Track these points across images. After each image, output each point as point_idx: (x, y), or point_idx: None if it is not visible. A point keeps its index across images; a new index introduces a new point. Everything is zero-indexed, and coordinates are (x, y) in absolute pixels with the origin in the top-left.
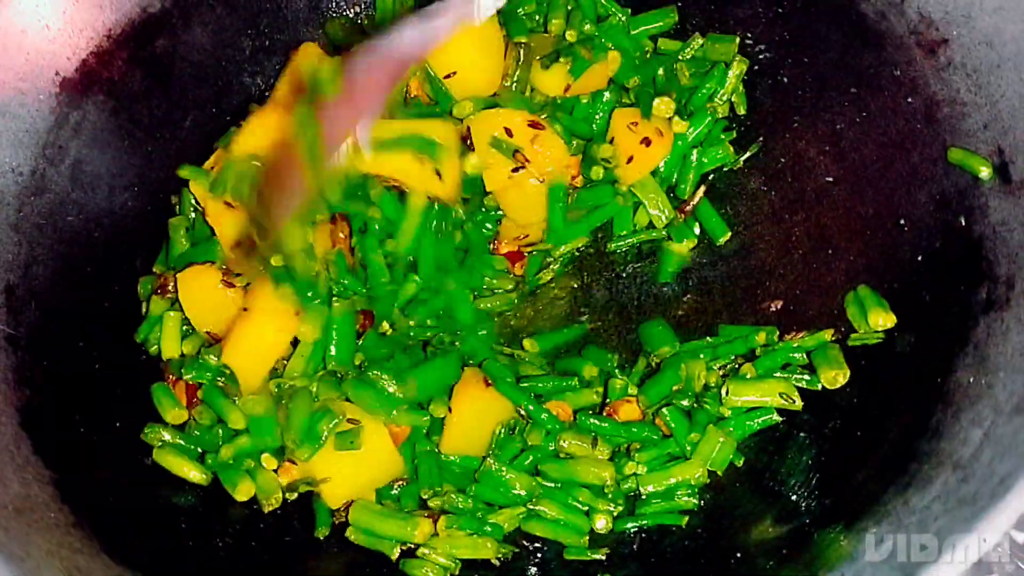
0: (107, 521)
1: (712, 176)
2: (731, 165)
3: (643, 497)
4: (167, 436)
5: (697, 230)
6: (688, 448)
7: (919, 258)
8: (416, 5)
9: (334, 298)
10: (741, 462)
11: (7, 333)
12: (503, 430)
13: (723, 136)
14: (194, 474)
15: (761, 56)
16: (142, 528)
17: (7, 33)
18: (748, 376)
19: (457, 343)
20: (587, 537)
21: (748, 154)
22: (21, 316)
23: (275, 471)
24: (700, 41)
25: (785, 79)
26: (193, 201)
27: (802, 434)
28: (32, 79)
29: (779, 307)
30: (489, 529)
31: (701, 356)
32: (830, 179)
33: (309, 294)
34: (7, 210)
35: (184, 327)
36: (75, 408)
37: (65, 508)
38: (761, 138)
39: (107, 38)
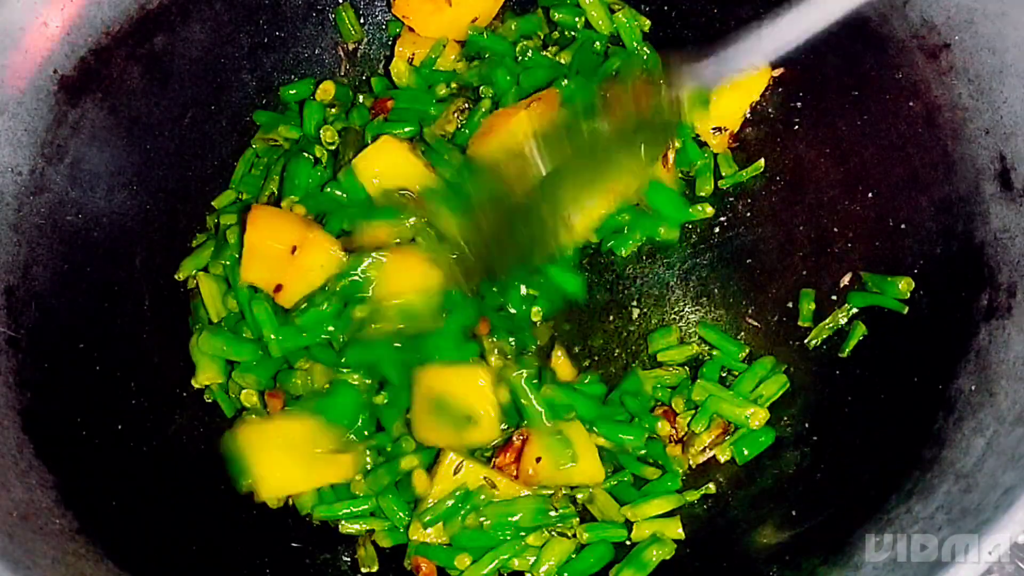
0: (110, 527)
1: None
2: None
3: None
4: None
5: None
6: None
7: (920, 263)
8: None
9: None
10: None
11: (8, 335)
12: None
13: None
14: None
15: None
16: (146, 534)
17: (5, 31)
18: None
19: None
20: None
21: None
22: (21, 318)
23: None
24: None
25: (786, 81)
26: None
27: (802, 439)
28: (30, 77)
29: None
30: None
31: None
32: (831, 182)
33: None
34: (6, 210)
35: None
36: (77, 411)
37: (69, 514)
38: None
39: (105, 35)
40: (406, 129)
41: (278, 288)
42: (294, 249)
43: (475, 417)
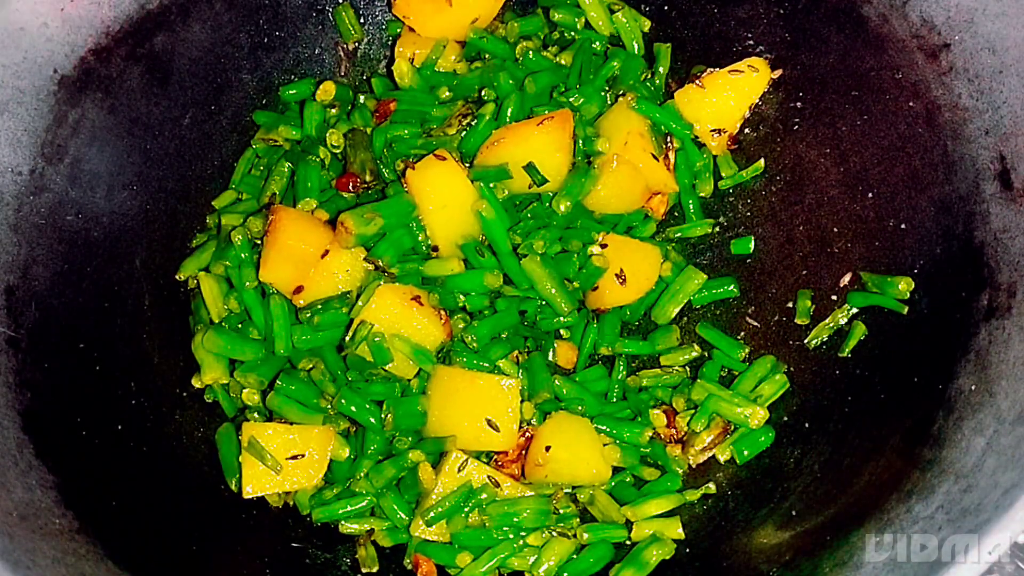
0: (110, 527)
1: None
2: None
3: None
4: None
5: None
6: None
7: (920, 263)
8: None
9: None
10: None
11: (8, 336)
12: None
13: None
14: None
15: (762, 57)
16: (146, 534)
17: (5, 31)
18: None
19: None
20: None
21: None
22: (21, 318)
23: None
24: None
25: (786, 81)
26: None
27: (803, 439)
28: (30, 77)
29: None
30: None
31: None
32: (831, 182)
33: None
34: (6, 210)
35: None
36: (76, 411)
37: (69, 514)
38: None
39: (105, 35)
40: None
41: (298, 289)
42: (325, 253)
43: (498, 424)
